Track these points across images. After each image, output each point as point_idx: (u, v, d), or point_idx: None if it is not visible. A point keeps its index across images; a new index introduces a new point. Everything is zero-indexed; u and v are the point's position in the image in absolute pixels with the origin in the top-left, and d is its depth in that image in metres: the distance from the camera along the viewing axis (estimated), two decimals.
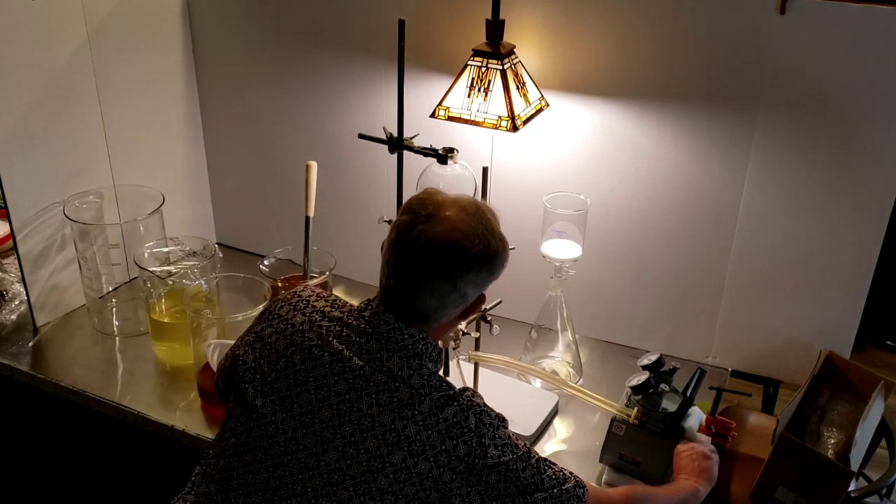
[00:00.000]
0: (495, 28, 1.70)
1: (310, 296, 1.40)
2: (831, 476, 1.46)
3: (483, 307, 1.47)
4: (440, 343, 1.37)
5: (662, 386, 1.57)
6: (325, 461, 1.24)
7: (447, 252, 1.27)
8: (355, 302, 1.38)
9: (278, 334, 1.36)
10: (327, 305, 1.38)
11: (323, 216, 1.97)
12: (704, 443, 1.57)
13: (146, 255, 1.93)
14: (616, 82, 1.80)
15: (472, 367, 1.79)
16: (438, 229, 1.27)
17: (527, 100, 1.72)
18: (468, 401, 1.27)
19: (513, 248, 1.71)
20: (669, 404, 1.56)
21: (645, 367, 1.58)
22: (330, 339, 1.31)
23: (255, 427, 1.30)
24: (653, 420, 1.56)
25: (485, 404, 1.30)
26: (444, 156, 1.51)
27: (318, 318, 1.35)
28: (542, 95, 1.80)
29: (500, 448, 1.26)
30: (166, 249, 1.98)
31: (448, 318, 1.33)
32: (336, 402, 1.27)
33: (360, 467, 1.23)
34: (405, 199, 1.57)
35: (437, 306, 1.30)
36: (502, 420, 1.31)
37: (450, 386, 1.30)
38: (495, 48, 1.69)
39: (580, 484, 1.32)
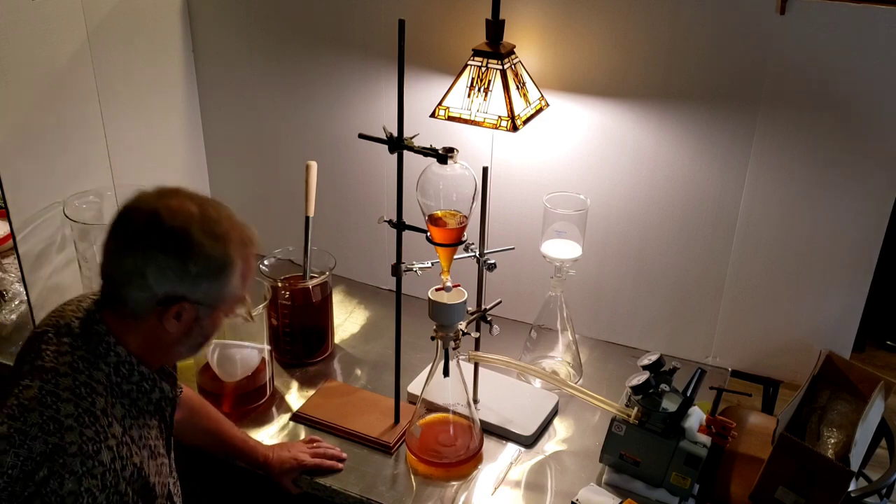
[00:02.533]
0: (495, 28, 1.70)
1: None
2: (831, 476, 1.46)
3: (212, 332, 1.31)
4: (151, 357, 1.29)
5: (662, 386, 1.57)
6: None
7: (139, 218, 1.19)
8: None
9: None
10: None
11: (323, 216, 1.97)
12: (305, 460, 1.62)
13: None
14: (616, 82, 1.80)
15: (472, 367, 1.79)
16: (150, 200, 1.20)
17: (527, 100, 1.72)
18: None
19: (512, 248, 1.72)
20: (669, 404, 1.56)
21: (645, 367, 1.58)
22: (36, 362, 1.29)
23: None
24: (653, 420, 1.56)
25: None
26: (444, 156, 1.51)
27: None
28: (542, 95, 1.80)
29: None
30: None
31: (137, 305, 1.21)
32: None
33: None
34: (405, 199, 1.58)
35: (121, 279, 1.20)
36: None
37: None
38: (495, 48, 1.69)
39: None
